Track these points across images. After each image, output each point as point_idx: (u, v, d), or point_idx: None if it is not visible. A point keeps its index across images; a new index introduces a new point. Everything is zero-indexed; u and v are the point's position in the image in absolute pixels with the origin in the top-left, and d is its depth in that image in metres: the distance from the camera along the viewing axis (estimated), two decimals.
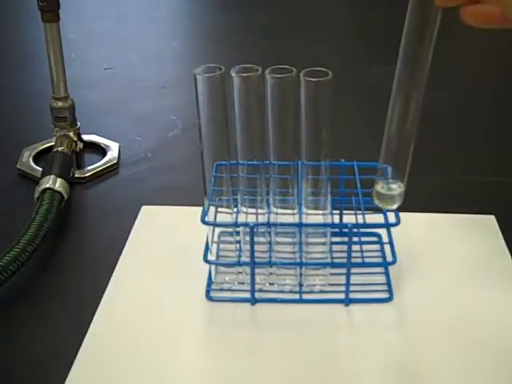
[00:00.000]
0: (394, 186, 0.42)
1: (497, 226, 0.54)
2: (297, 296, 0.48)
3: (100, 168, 0.64)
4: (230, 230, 0.48)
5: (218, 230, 0.49)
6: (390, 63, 0.38)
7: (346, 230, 0.45)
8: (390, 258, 0.47)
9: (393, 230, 0.47)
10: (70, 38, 0.92)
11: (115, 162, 0.65)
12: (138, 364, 0.42)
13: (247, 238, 0.45)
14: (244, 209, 0.46)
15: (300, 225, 0.46)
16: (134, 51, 0.96)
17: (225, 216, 0.46)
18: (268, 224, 0.46)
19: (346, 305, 0.47)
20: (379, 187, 0.42)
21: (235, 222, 0.46)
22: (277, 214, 0.46)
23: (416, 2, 0.35)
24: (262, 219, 0.46)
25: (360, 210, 0.48)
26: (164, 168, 0.65)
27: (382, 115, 0.39)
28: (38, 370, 0.43)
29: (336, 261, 0.48)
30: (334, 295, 0.47)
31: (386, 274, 0.49)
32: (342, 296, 0.47)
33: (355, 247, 0.49)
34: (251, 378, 0.42)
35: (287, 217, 0.46)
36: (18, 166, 0.64)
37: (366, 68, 0.88)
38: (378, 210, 0.48)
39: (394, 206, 0.42)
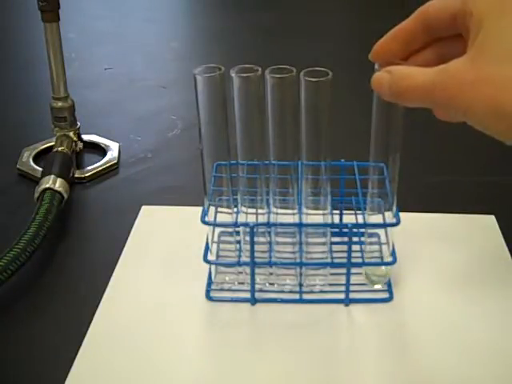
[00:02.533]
0: (381, 268, 0.48)
1: (497, 226, 0.54)
2: (297, 296, 0.48)
3: (100, 168, 0.64)
4: (230, 230, 0.47)
5: (218, 229, 0.49)
6: None
7: (346, 230, 0.45)
8: (389, 258, 0.47)
9: (393, 229, 0.47)
10: (70, 37, 0.92)
11: (115, 162, 0.65)
12: (138, 364, 0.42)
13: (247, 238, 0.45)
14: (244, 209, 0.46)
15: (300, 225, 0.46)
16: (133, 51, 0.96)
17: (225, 216, 0.46)
18: (268, 224, 0.46)
19: (346, 305, 0.47)
20: (369, 271, 0.48)
21: (235, 222, 0.46)
22: (277, 213, 0.46)
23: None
24: (262, 219, 0.46)
25: (360, 210, 0.48)
26: (164, 168, 0.65)
27: None
28: (38, 369, 0.43)
29: (336, 261, 0.48)
30: (333, 295, 0.47)
31: None
32: (342, 296, 0.47)
33: (355, 247, 0.49)
34: (251, 378, 0.42)
35: (287, 217, 0.46)
36: (18, 166, 0.64)
37: (366, 68, 0.87)
38: (377, 210, 0.48)
39: (382, 285, 0.48)
